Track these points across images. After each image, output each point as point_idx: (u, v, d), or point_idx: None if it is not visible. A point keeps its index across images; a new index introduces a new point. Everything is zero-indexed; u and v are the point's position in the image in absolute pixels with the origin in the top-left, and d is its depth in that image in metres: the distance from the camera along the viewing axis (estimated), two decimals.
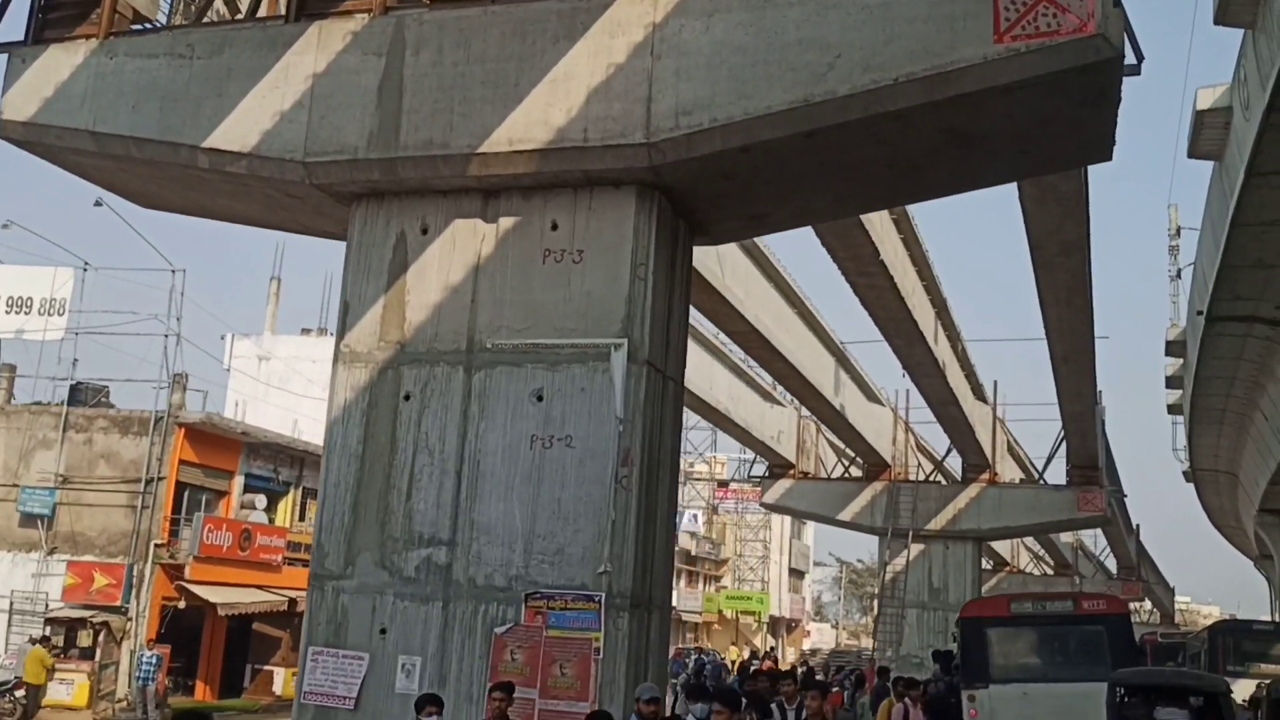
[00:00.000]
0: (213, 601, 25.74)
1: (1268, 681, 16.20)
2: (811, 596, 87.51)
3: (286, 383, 38.03)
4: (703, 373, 29.25)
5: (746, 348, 24.41)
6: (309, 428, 33.37)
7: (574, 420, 9.92)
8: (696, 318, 24.83)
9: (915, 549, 34.66)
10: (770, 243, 23.65)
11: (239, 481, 29.41)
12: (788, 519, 70.52)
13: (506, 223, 10.46)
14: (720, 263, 21.12)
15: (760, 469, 38.15)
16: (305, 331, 43.24)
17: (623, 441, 9.78)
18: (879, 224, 18.78)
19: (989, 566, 60.88)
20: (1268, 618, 36.62)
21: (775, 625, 74.69)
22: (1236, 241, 19.18)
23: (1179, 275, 36.61)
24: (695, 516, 66.25)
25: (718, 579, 71.75)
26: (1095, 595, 18.31)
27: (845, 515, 36.34)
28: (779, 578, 72.40)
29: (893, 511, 34.81)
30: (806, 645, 77.45)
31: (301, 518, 32.26)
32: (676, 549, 63.12)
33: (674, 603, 53.22)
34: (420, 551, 10.04)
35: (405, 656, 9.89)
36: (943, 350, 26.25)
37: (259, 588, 28.42)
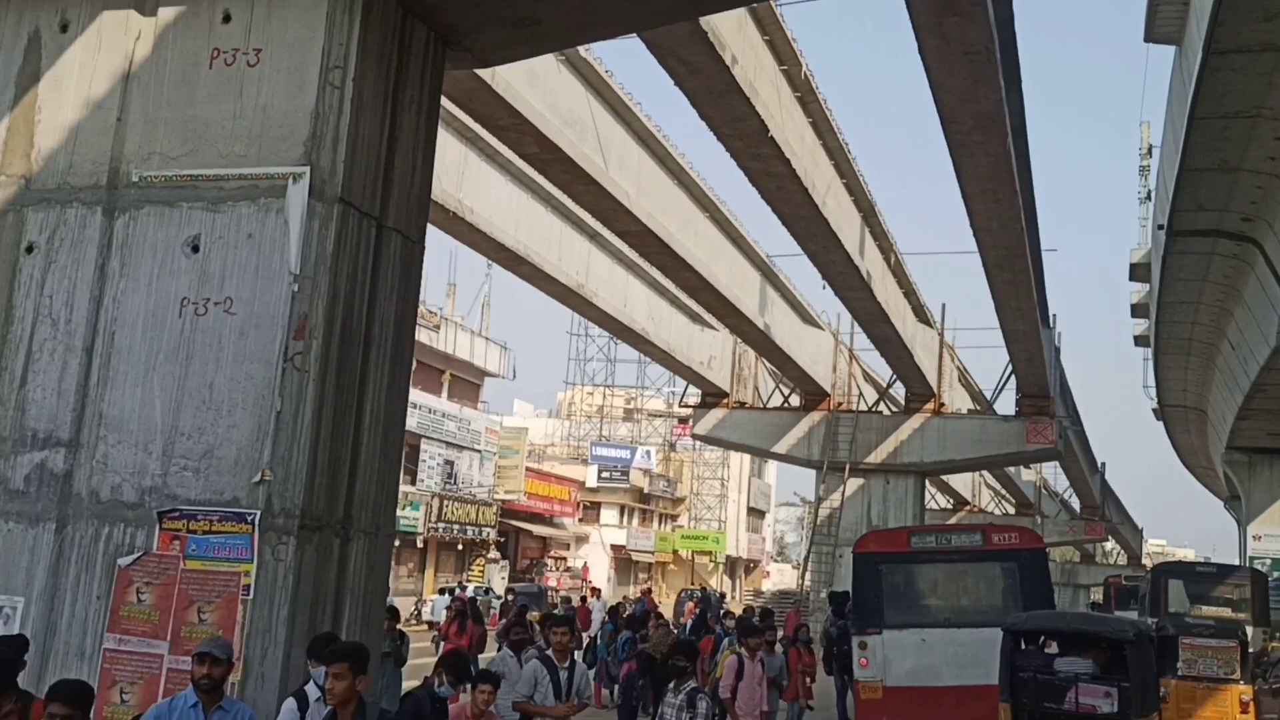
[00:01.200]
0: None
1: (1155, 620, 14.89)
2: (773, 537, 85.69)
3: None
4: (616, 289, 26.59)
5: (644, 252, 21.71)
6: None
7: (237, 278, 7.28)
8: (601, 227, 22.13)
9: (854, 483, 32.29)
10: (673, 136, 20.92)
11: None
12: (747, 457, 68.29)
13: (168, 14, 7.74)
14: (604, 151, 18.40)
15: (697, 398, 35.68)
16: None
17: (297, 306, 7.15)
18: (773, 100, 16.03)
19: (949, 505, 58.84)
20: (1239, 561, 34.58)
21: (733, 566, 72.78)
22: (1197, 139, 16.78)
23: (1149, 197, 34.10)
24: (649, 453, 63.95)
25: (674, 518, 69.71)
26: (1007, 528, 15.94)
27: (780, 447, 33.91)
28: (737, 517, 70.29)
29: (830, 443, 32.39)
30: (766, 585, 75.68)
31: None
32: (628, 488, 61.09)
33: (625, 541, 51.18)
34: (33, 455, 7.41)
35: (5, 597, 7.29)
36: (872, 262, 23.62)
37: None
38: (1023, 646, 12.94)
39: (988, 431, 31.73)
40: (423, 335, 42.64)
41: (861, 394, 33.76)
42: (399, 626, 12.52)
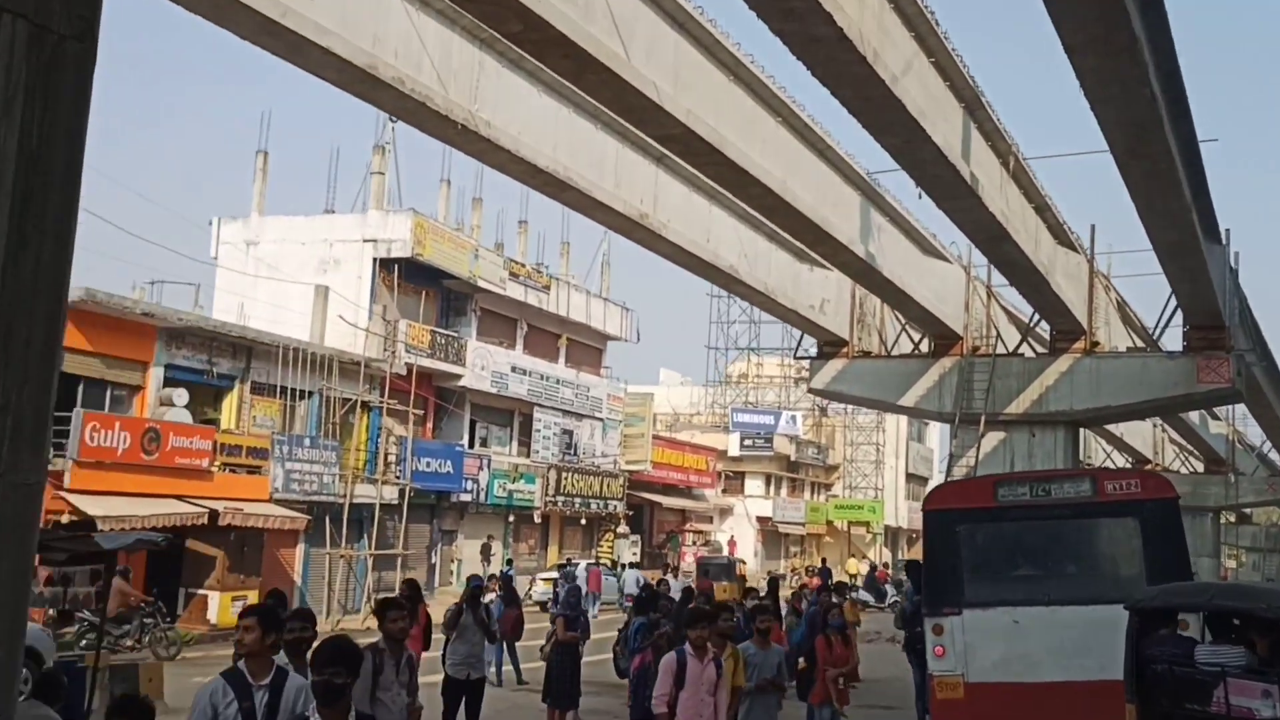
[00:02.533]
0: (91, 514, 21.51)
1: None
2: None
3: (276, 270, 33.69)
4: (694, 220, 23.34)
5: (693, 162, 18.35)
6: (262, 314, 29.00)
7: None
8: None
9: (993, 437, 28.14)
10: (722, 22, 17.55)
11: (156, 374, 25.17)
12: (904, 419, 63.88)
13: None
14: (621, 35, 15.19)
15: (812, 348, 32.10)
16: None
17: None
18: None
19: (1128, 463, 53.17)
20: None
21: (894, 537, 68.54)
22: None
23: None
24: (795, 419, 60.32)
25: (827, 487, 65.99)
26: (1125, 473, 12.27)
27: (908, 400, 29.96)
28: (895, 484, 66.00)
29: (964, 392, 28.33)
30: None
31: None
32: (772, 455, 57.41)
33: (771, 513, 47.59)
34: None
35: None
36: (983, 165, 19.69)
37: (178, 498, 24.26)
38: (1153, 630, 9.58)
39: (1150, 371, 27.05)
40: (531, 297, 40.22)
41: (1000, 336, 29.51)
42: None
